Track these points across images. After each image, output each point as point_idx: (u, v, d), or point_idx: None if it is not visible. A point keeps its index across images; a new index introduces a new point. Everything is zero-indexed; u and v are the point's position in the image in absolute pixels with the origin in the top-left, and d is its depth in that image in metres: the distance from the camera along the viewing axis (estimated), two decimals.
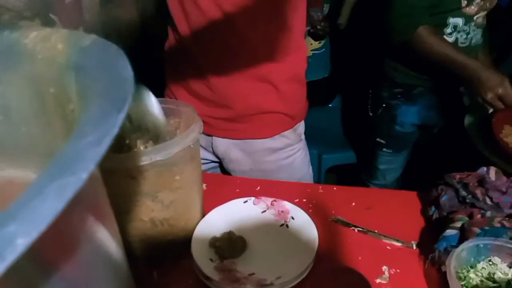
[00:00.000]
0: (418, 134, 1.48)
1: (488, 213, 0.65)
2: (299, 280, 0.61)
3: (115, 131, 0.21)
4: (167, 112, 0.75)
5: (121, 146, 0.74)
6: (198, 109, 0.94)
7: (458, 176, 0.73)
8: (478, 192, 0.70)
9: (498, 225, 0.61)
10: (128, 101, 0.22)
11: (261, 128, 0.95)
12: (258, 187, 0.88)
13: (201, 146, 1.02)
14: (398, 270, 0.65)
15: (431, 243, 0.67)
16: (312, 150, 1.69)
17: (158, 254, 0.68)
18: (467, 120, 1.20)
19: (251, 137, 0.96)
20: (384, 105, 1.43)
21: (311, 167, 1.10)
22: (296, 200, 0.82)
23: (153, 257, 0.68)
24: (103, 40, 0.33)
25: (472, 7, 1.20)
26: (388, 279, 0.63)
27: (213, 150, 1.01)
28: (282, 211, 0.76)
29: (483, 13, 1.22)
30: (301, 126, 1.03)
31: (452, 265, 0.56)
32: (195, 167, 0.68)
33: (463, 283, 0.58)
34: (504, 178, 0.71)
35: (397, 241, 0.71)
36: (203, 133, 0.98)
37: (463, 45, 1.27)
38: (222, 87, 0.89)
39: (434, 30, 1.18)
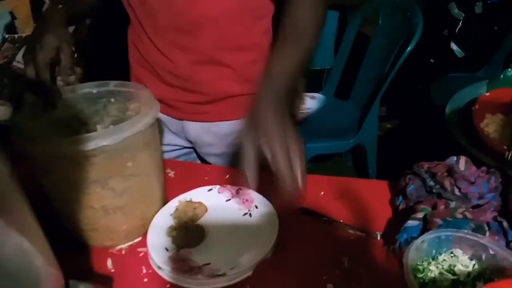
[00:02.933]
0: None
1: (452, 204, 0.63)
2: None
3: None
4: (126, 96, 0.72)
5: (79, 131, 0.71)
6: (166, 93, 0.91)
7: (426, 166, 0.71)
8: (447, 182, 0.67)
9: (460, 216, 0.59)
10: None
11: (232, 109, 0.92)
12: (228, 175, 0.86)
13: (172, 131, 0.99)
14: (358, 261, 0.63)
15: (396, 234, 0.65)
16: None
17: (113, 243, 0.66)
18: (449, 107, 1.18)
19: (222, 119, 0.94)
20: None
21: None
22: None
23: (108, 246, 0.66)
24: None
25: None
26: (346, 269, 0.61)
27: (185, 135, 0.99)
28: (247, 200, 0.74)
29: None
30: None
31: (409, 257, 0.54)
32: (151, 153, 0.65)
33: (421, 275, 0.56)
34: (474, 168, 0.69)
35: (362, 231, 0.69)
36: (173, 117, 0.96)
37: None
38: (187, 73, 0.85)
39: None
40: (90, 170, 0.56)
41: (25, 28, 1.17)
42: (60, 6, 0.70)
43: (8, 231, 0.36)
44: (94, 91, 0.70)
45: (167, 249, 0.63)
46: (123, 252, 0.66)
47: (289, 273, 0.61)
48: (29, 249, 0.41)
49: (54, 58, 0.63)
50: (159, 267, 0.60)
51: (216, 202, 0.74)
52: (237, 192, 0.76)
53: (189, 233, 0.65)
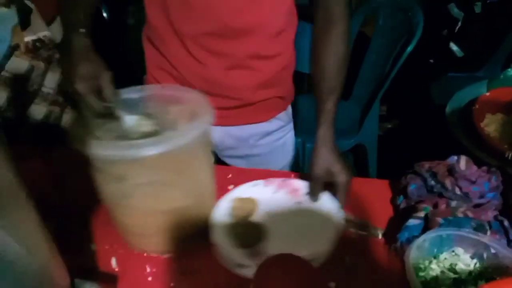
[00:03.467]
0: None
1: (454, 203, 0.63)
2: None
3: None
4: (170, 100, 0.70)
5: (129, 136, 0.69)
6: None
7: (427, 165, 0.71)
8: (448, 181, 0.68)
9: (461, 215, 0.60)
10: None
11: (255, 114, 0.94)
12: (230, 175, 0.87)
13: None
14: (360, 260, 0.64)
15: (397, 233, 0.66)
16: (296, 138, 1.67)
17: (173, 247, 0.66)
18: (449, 107, 1.19)
19: (245, 123, 0.95)
20: None
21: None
22: None
23: (173, 249, 0.66)
24: None
25: None
26: (348, 268, 0.62)
27: None
28: (294, 189, 0.76)
29: None
30: (289, 106, 1.03)
31: (411, 256, 0.55)
32: (207, 154, 0.66)
33: (423, 274, 0.57)
34: (474, 168, 0.70)
35: (363, 230, 0.69)
36: None
37: None
38: (218, 78, 0.86)
39: None
40: (151, 173, 0.57)
41: (13, 37, 1.14)
42: (82, 30, 0.67)
43: (13, 230, 0.37)
44: (135, 96, 0.69)
45: (236, 247, 0.64)
46: (128, 251, 0.67)
47: (291, 271, 0.62)
48: (34, 248, 0.41)
49: (94, 86, 0.62)
50: (240, 265, 0.60)
51: (265, 196, 0.75)
52: (282, 184, 0.77)
53: (251, 229, 0.66)
